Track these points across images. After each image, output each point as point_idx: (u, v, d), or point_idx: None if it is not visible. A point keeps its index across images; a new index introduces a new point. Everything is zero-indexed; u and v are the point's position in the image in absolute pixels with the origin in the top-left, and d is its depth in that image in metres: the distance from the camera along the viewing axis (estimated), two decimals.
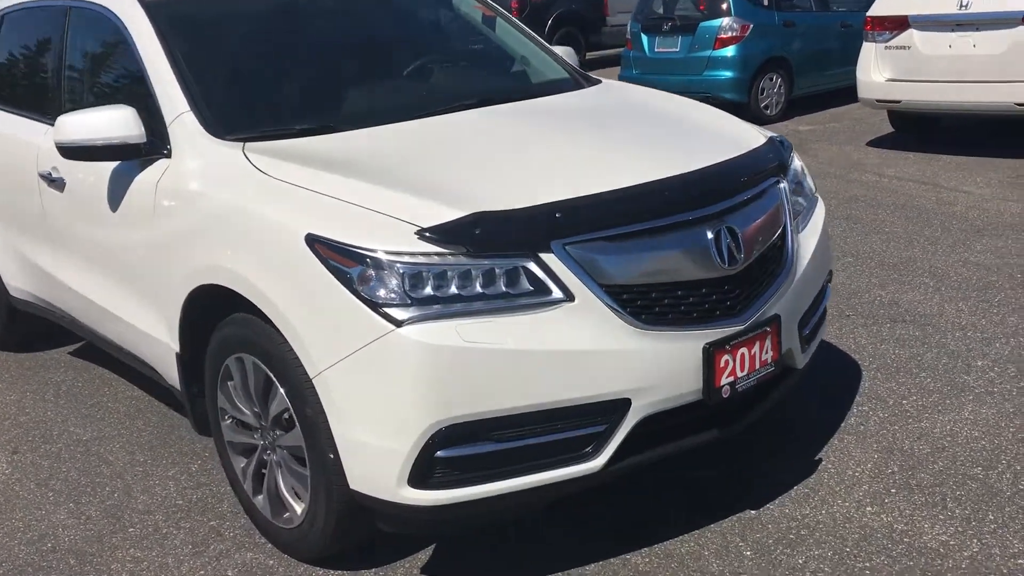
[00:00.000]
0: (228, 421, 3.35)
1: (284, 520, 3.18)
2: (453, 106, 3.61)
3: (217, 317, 3.22)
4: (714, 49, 10.49)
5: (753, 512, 3.26)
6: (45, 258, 4.31)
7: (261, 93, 3.71)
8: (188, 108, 3.38)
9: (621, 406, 2.77)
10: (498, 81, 4.27)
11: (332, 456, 2.84)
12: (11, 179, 4.43)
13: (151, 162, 3.44)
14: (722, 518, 3.24)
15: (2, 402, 4.64)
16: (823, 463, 3.52)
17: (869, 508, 3.23)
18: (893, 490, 3.32)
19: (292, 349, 2.85)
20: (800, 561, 3.00)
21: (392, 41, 4.21)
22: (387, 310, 2.62)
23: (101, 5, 3.89)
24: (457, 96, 3.74)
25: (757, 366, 2.99)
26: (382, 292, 2.64)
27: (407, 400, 2.64)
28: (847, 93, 9.89)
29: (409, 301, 2.63)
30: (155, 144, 3.40)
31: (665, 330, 2.79)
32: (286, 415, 2.99)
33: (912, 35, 8.37)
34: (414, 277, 2.64)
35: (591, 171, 3.01)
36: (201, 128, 3.33)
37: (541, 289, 2.69)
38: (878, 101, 8.76)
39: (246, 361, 3.11)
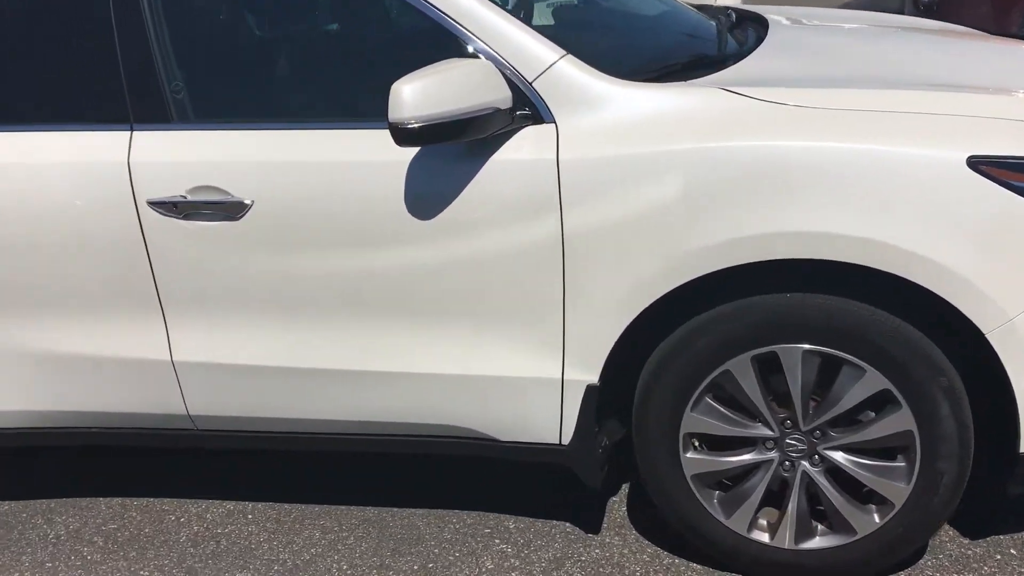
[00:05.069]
0: (693, 451, 2.59)
1: (830, 539, 2.61)
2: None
3: (676, 319, 2.48)
4: None
5: None
6: (143, 339, 2.81)
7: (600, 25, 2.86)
8: (560, 54, 2.46)
9: None
10: None
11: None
12: (43, 231, 2.77)
13: (498, 140, 2.45)
14: None
15: None
16: None
17: None
18: None
19: (891, 317, 2.34)
20: None
21: None
22: None
23: None
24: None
25: None
26: None
27: None
28: None
29: None
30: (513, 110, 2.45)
31: None
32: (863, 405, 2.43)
33: None
34: None
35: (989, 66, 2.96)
36: (603, 75, 2.45)
37: None
38: None
39: (785, 355, 2.41)
